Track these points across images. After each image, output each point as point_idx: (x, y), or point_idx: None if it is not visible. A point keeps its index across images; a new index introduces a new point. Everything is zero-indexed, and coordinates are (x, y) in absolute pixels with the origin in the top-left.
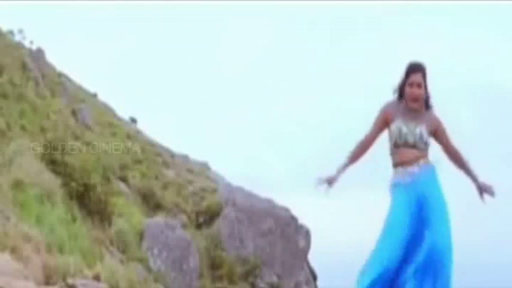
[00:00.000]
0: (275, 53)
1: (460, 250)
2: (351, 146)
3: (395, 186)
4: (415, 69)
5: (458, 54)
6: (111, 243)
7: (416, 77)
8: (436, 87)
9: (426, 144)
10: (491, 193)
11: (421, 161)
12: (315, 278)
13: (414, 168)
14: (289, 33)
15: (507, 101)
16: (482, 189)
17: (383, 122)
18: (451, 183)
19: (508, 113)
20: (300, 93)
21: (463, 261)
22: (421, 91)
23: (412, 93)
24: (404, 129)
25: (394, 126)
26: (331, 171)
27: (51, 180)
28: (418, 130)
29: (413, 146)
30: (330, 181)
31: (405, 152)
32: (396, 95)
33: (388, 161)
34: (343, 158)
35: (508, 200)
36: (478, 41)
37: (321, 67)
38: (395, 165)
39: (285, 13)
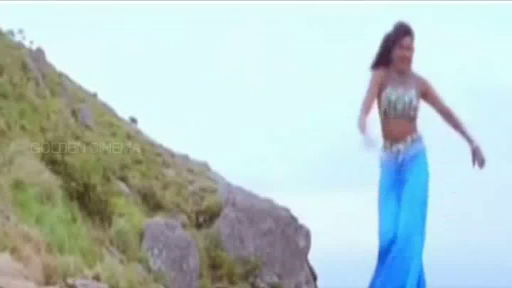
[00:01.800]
0: (275, 53)
1: (461, 250)
2: (350, 146)
3: (381, 165)
4: (407, 32)
5: (457, 53)
6: (111, 243)
7: (408, 40)
8: (435, 85)
9: (415, 110)
10: (481, 161)
11: (409, 138)
12: (315, 278)
13: (400, 146)
14: (291, 34)
15: (506, 98)
16: (476, 154)
17: (379, 82)
18: (452, 183)
19: (507, 108)
20: (300, 94)
21: (464, 262)
22: (412, 54)
23: (404, 54)
24: (393, 97)
25: (383, 94)
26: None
27: (51, 180)
28: (407, 97)
29: (402, 116)
30: (372, 144)
31: (394, 124)
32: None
33: None
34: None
35: (509, 199)
36: (477, 39)
37: (322, 68)
38: (384, 137)
39: (286, 13)
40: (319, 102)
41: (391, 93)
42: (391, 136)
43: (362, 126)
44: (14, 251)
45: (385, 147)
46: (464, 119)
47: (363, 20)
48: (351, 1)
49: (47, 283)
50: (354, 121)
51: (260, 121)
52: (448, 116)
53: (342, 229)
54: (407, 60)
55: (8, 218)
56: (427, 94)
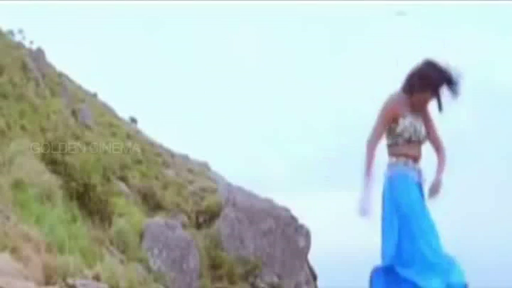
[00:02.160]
0: (275, 52)
1: (461, 250)
2: (350, 146)
3: (404, 179)
4: (436, 94)
5: (457, 54)
6: (111, 243)
7: (431, 100)
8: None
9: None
10: (434, 194)
11: (421, 164)
12: (315, 278)
13: (420, 168)
14: (289, 33)
15: (506, 98)
16: (433, 187)
17: (389, 121)
18: (453, 181)
19: (507, 110)
20: (300, 93)
21: (464, 262)
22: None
23: (422, 106)
24: (418, 128)
25: (407, 122)
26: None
27: (51, 180)
28: (424, 129)
29: (421, 143)
30: (366, 212)
31: (416, 148)
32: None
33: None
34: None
35: (509, 197)
36: (477, 40)
37: (321, 67)
38: (402, 155)
39: (285, 14)
40: (319, 102)
41: (416, 123)
42: (412, 157)
43: (369, 164)
44: (14, 251)
45: (406, 164)
46: (464, 119)
47: (363, 20)
48: (350, 1)
49: (47, 283)
50: (363, 148)
51: (260, 121)
52: (436, 149)
53: (342, 229)
54: (422, 107)
55: (8, 218)
56: (427, 126)
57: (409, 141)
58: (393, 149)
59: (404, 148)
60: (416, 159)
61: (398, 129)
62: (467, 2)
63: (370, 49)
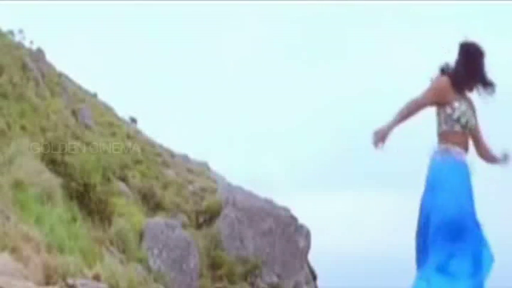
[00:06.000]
0: (275, 52)
1: None
2: (350, 146)
3: (462, 167)
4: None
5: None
6: (111, 243)
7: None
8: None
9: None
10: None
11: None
12: (315, 278)
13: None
14: (288, 32)
15: (507, 99)
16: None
17: (438, 96)
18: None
19: (507, 109)
20: (300, 93)
21: None
22: None
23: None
24: (469, 113)
25: (461, 106)
26: (381, 126)
27: (51, 180)
28: (473, 117)
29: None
30: (382, 137)
31: (466, 138)
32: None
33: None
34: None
35: (509, 196)
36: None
37: (321, 66)
38: (461, 147)
39: (281, 11)
40: (319, 101)
41: (467, 110)
42: (466, 148)
43: (382, 135)
44: (14, 251)
45: (462, 154)
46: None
47: (361, 19)
48: (348, 1)
49: (47, 283)
50: (387, 118)
51: (260, 121)
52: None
53: (342, 229)
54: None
55: (8, 218)
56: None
57: (463, 127)
58: (452, 137)
59: (460, 136)
60: (468, 149)
61: (455, 115)
62: (467, 3)
63: (371, 49)
